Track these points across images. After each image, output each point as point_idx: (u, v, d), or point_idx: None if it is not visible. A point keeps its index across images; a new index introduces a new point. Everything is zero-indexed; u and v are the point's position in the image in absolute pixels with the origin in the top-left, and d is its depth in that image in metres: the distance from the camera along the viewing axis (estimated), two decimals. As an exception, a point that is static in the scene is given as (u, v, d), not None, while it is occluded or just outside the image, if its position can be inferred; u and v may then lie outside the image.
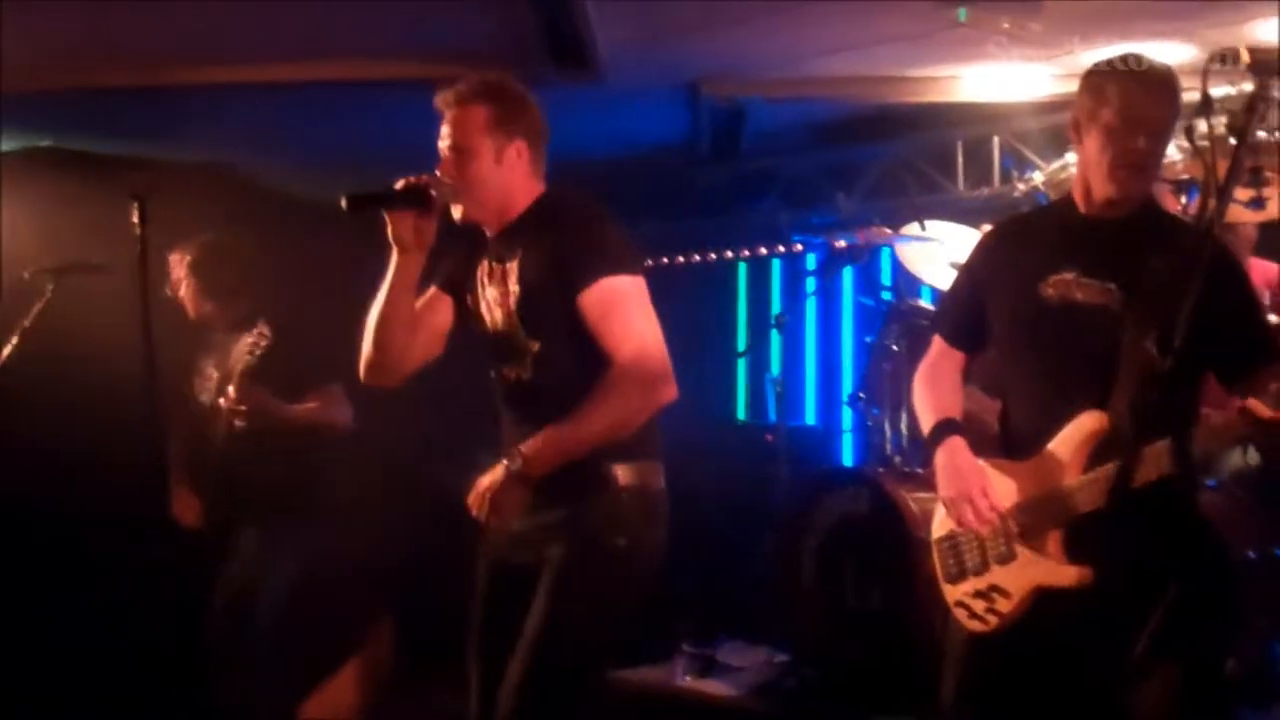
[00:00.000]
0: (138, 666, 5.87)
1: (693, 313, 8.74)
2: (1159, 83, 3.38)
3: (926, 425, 3.70)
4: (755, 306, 8.80)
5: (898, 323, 5.83)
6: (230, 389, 5.21)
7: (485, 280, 3.68)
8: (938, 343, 3.83)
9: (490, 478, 3.46)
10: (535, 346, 3.56)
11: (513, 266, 3.58)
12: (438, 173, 3.57)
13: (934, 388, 3.76)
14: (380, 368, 3.73)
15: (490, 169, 3.57)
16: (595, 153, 7.91)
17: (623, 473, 3.54)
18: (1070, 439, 3.37)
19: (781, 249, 8.50)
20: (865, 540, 5.44)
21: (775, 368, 7.58)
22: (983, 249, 3.75)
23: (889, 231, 5.99)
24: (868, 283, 7.28)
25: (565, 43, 5.58)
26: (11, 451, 6.23)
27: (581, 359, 3.50)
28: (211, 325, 5.56)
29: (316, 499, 5.50)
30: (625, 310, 3.50)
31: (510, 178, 3.60)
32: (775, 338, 6.86)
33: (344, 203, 3.42)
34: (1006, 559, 3.48)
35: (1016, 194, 6.67)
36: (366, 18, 5.66)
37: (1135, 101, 3.33)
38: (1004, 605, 3.47)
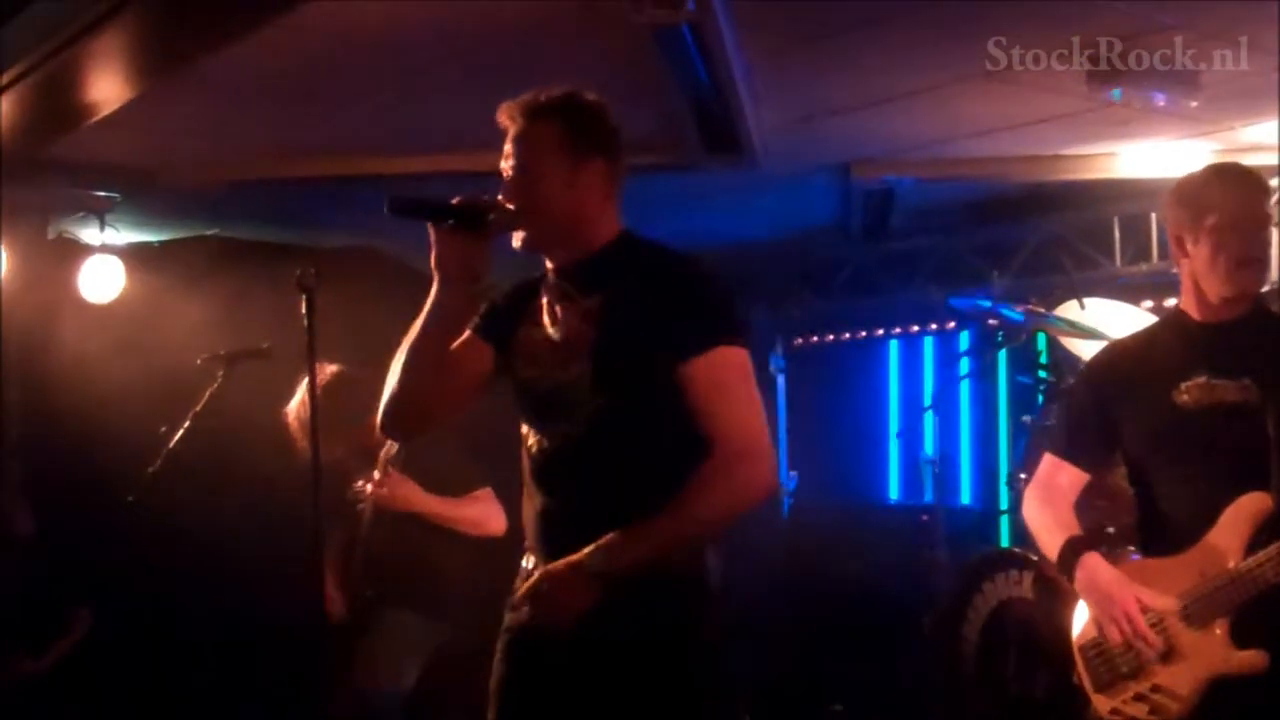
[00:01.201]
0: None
1: (844, 391, 8.73)
2: (1254, 183, 3.53)
3: (1052, 544, 3.67)
4: (907, 385, 8.74)
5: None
6: (376, 473, 5.28)
7: (543, 318, 3.22)
8: (1051, 462, 3.80)
9: (558, 569, 2.99)
10: (599, 401, 3.05)
11: (591, 306, 3.11)
12: (500, 197, 3.12)
13: (1051, 505, 3.74)
14: (402, 413, 3.26)
15: (561, 192, 3.09)
16: (747, 233, 7.99)
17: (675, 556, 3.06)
18: (1231, 523, 3.36)
19: (934, 327, 8.45)
20: (1028, 625, 5.34)
21: (929, 447, 7.50)
22: (1101, 371, 3.78)
23: (1043, 311, 5.92)
24: (1024, 361, 7.20)
25: (719, 129, 5.62)
26: (178, 534, 6.38)
27: (648, 426, 3.06)
28: (356, 452, 5.43)
29: (451, 590, 5.45)
30: (738, 385, 3.05)
31: (584, 202, 3.13)
32: (929, 417, 6.80)
33: (386, 205, 3.06)
34: (1169, 657, 3.42)
35: (1175, 270, 6.57)
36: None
37: (1240, 202, 3.45)
38: (1173, 706, 3.39)
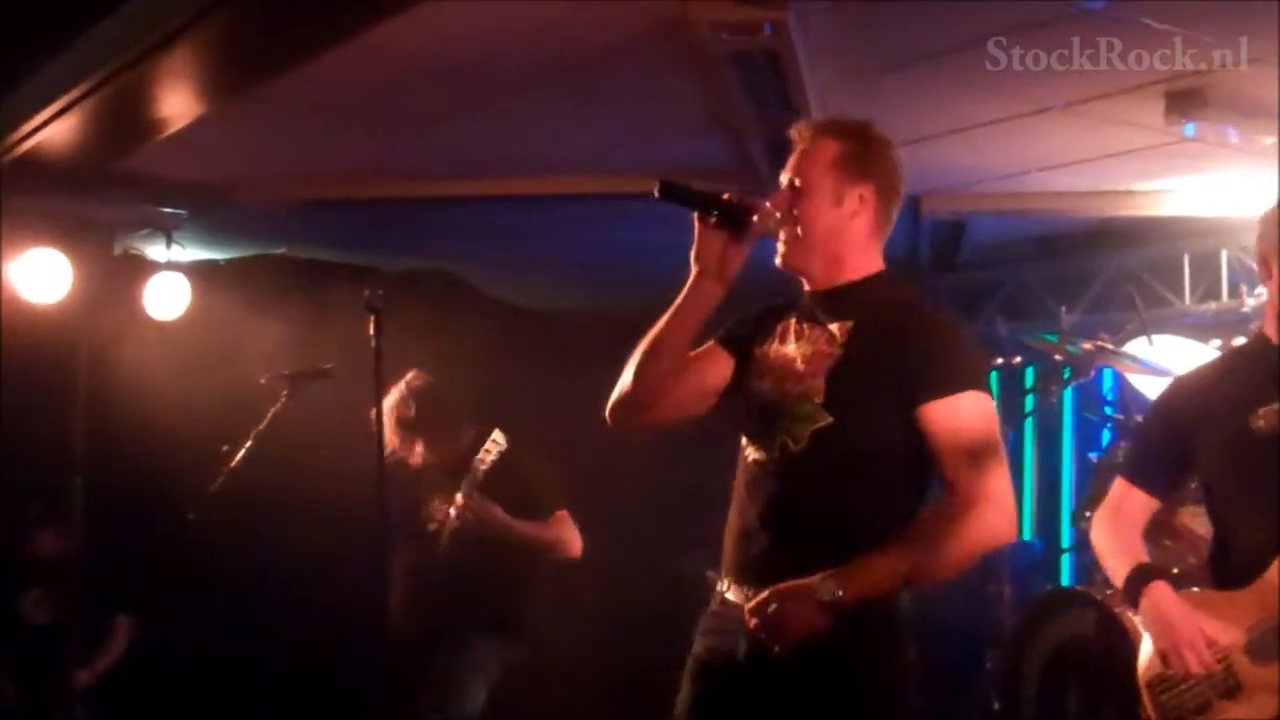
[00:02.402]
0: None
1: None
2: None
3: (1118, 570, 3.62)
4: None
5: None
6: (459, 496, 5.27)
7: (789, 335, 3.27)
8: (1122, 487, 3.75)
9: (789, 591, 2.99)
10: (826, 420, 3.09)
11: (839, 329, 3.16)
12: (768, 204, 3.20)
13: (1117, 531, 3.70)
14: (632, 403, 3.31)
15: (826, 209, 3.17)
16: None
17: None
18: None
19: (999, 361, 8.36)
20: (1090, 665, 5.27)
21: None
22: (1177, 396, 3.73)
23: (1111, 347, 5.84)
24: (1091, 398, 7.12)
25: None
26: (236, 554, 6.39)
27: (870, 456, 3.10)
28: (435, 465, 5.54)
29: (526, 612, 5.51)
30: (982, 432, 3.06)
31: (847, 225, 3.19)
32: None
33: (657, 189, 3.12)
34: (1233, 692, 3.35)
35: (1245, 309, 6.50)
36: (597, 135, 5.78)
37: None
38: None
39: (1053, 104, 5.24)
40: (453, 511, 5.28)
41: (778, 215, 3.18)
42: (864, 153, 3.23)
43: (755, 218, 3.15)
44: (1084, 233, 7.33)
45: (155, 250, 7.13)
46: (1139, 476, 3.74)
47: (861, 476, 3.10)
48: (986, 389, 3.14)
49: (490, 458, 5.18)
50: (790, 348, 3.24)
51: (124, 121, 5.58)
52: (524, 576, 5.45)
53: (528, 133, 5.81)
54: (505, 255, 7.76)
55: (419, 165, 6.41)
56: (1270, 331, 3.52)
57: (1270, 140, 5.35)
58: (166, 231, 7.04)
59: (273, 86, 5.12)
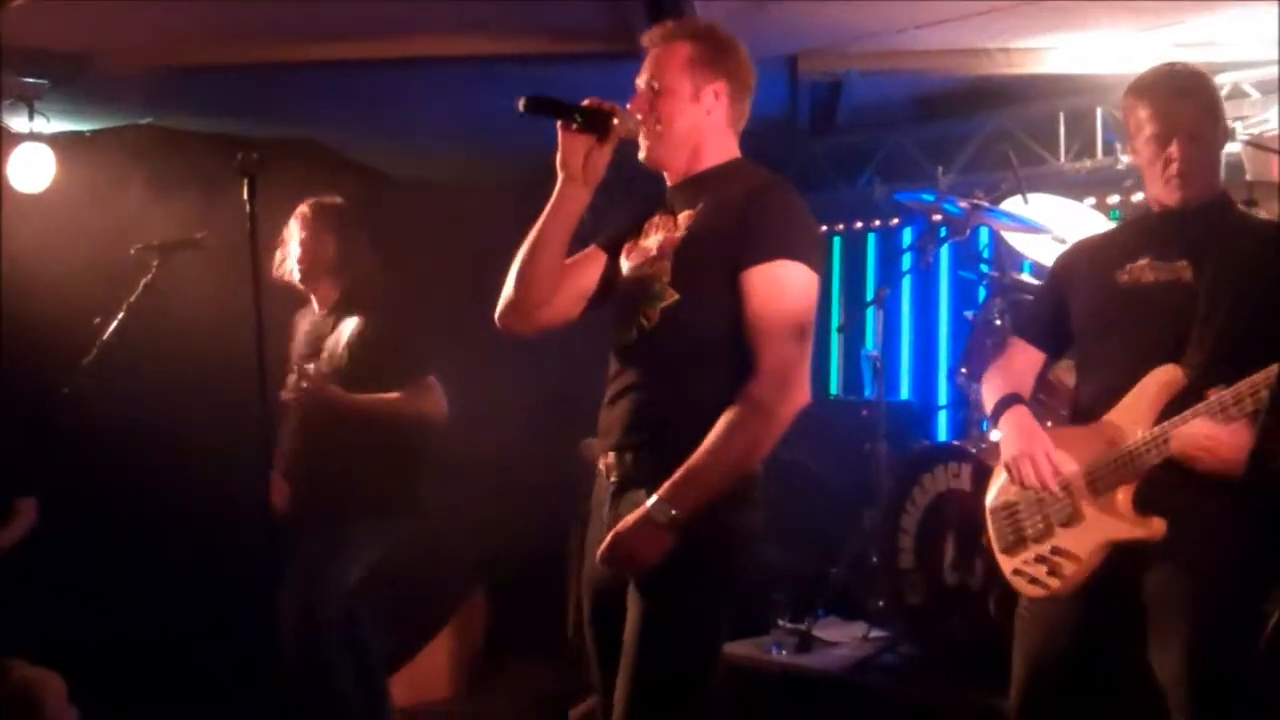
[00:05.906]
0: (227, 653, 5.96)
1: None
2: (1190, 87, 3.60)
3: (990, 405, 3.76)
4: (850, 281, 8.73)
5: (1001, 297, 5.76)
6: (291, 378, 5.21)
7: (650, 229, 3.52)
8: (1013, 343, 3.92)
9: (630, 527, 3.21)
10: (673, 297, 3.33)
11: (686, 215, 3.41)
12: (628, 106, 3.41)
13: (1000, 374, 3.84)
14: (517, 309, 3.52)
15: (685, 106, 3.39)
16: (690, 127, 7.87)
17: None
18: (1141, 395, 3.42)
19: (877, 223, 8.42)
20: (965, 516, 5.39)
21: (870, 343, 7.51)
22: (1065, 257, 3.90)
23: (987, 205, 5.89)
24: (967, 256, 7.19)
25: (665, 15, 5.52)
26: (111, 428, 6.30)
27: (714, 328, 3.28)
28: (314, 296, 5.51)
29: (395, 493, 5.42)
30: (790, 301, 3.26)
31: (704, 121, 3.41)
32: (870, 313, 6.80)
33: (522, 103, 3.28)
34: (1072, 520, 3.52)
35: (1120, 166, 6.59)
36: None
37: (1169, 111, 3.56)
38: (1069, 568, 3.50)
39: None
40: (289, 395, 5.23)
41: (638, 117, 3.40)
42: (715, 52, 3.43)
43: (616, 121, 3.34)
44: (960, 93, 7.33)
45: (17, 122, 6.92)
46: (1025, 332, 3.93)
47: (708, 348, 3.30)
48: (809, 264, 3.30)
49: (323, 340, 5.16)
50: (649, 240, 3.48)
51: (-22, -14, 5.39)
52: (388, 449, 5.35)
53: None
54: (375, 123, 7.63)
55: (284, 28, 6.22)
56: (1147, 196, 3.66)
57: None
58: (28, 102, 6.82)
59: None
